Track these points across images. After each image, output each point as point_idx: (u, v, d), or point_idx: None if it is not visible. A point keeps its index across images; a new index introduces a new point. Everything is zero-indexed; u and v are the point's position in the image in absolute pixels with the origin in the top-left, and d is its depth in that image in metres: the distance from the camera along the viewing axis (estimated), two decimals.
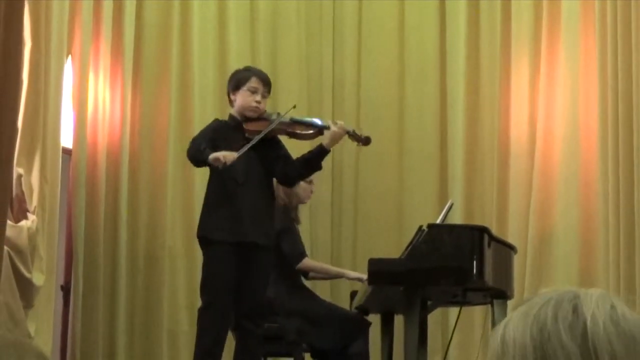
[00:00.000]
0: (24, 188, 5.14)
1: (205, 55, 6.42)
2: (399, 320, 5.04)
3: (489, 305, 4.77)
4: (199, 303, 4.89)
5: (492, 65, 6.42)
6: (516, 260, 5.01)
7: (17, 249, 4.95)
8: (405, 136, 6.80)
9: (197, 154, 4.72)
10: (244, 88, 4.88)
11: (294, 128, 4.96)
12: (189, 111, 6.28)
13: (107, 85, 5.98)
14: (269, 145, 4.86)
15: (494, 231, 5.01)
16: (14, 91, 4.63)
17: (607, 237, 5.52)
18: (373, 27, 7.00)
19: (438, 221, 4.73)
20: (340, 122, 4.97)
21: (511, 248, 4.85)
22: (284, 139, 5.04)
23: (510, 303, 4.63)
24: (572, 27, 6.02)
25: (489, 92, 6.46)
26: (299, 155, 5.04)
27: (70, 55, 5.76)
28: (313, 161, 4.92)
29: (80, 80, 5.80)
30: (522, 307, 1.14)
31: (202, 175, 5.63)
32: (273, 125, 4.84)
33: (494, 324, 4.59)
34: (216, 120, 5.07)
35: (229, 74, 5.18)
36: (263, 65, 5.72)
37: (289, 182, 5.09)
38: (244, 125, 4.87)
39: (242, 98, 4.88)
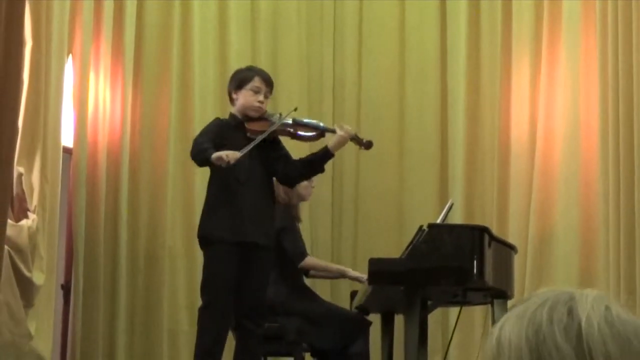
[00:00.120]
0: (24, 187, 5.14)
1: (205, 55, 6.42)
2: (399, 320, 5.04)
3: (489, 305, 4.77)
4: (199, 303, 4.89)
5: (493, 65, 6.42)
6: (516, 260, 5.01)
7: (17, 248, 4.95)
8: (406, 136, 6.80)
9: (200, 154, 4.72)
10: (247, 87, 4.88)
11: (296, 129, 4.97)
12: (190, 111, 6.28)
13: (108, 85, 5.98)
14: (270, 146, 4.87)
15: (495, 231, 5.01)
16: (15, 91, 4.63)
17: (607, 237, 5.52)
18: (374, 27, 7.00)
19: (438, 221, 4.72)
20: (347, 127, 4.98)
21: (511, 248, 4.85)
22: (284, 139, 5.04)
23: (510, 303, 4.63)
24: (573, 27, 6.02)
25: (490, 91, 6.46)
26: (298, 156, 5.05)
27: (70, 55, 5.76)
28: (317, 163, 4.95)
29: (81, 80, 5.80)
30: (518, 308, 1.14)
31: (202, 175, 5.64)
32: (276, 126, 4.85)
33: (494, 324, 4.59)
34: (217, 119, 5.07)
35: (230, 74, 5.18)
36: (263, 65, 5.72)
37: (291, 182, 5.10)
38: (246, 125, 4.87)
39: (245, 98, 4.88)
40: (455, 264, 4.28)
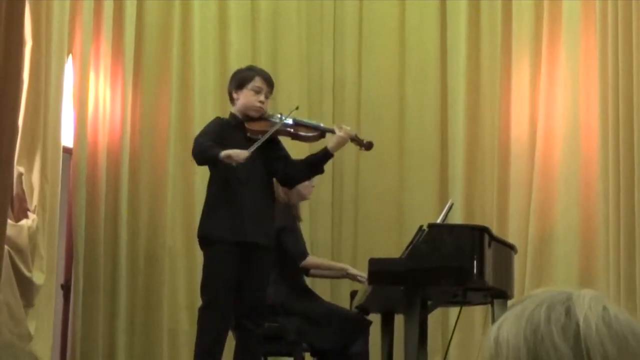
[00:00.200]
0: (24, 187, 5.14)
1: (205, 55, 6.42)
2: (399, 320, 5.04)
3: (489, 305, 4.77)
4: (199, 303, 4.89)
5: (493, 65, 6.42)
6: (516, 260, 5.01)
7: (17, 248, 4.95)
8: (406, 136, 6.80)
9: (205, 152, 4.71)
10: (248, 87, 4.89)
11: (297, 129, 4.98)
12: (190, 111, 6.28)
13: (108, 84, 5.98)
14: (271, 146, 4.87)
15: (495, 231, 5.01)
16: (15, 90, 4.63)
17: (607, 237, 5.52)
18: (374, 27, 7.00)
19: (438, 221, 4.72)
20: (346, 127, 4.99)
21: (511, 248, 4.85)
22: (284, 139, 5.05)
23: (510, 303, 4.62)
24: (573, 27, 6.01)
25: (490, 91, 6.46)
26: (297, 156, 5.06)
27: (70, 55, 5.76)
28: (317, 164, 4.96)
29: (81, 80, 5.80)
30: (515, 308, 1.15)
31: (202, 175, 5.64)
32: (278, 126, 4.85)
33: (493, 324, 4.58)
34: (218, 119, 5.07)
35: (230, 74, 5.18)
36: (263, 65, 5.72)
37: (291, 183, 5.11)
38: (246, 125, 4.87)
39: (246, 97, 4.88)
40: (455, 264, 4.28)
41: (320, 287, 6.09)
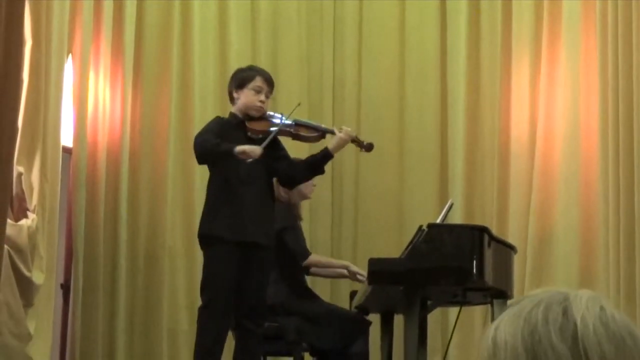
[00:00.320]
0: (24, 187, 5.14)
1: (205, 55, 6.42)
2: (398, 320, 5.04)
3: (489, 305, 4.77)
4: (198, 302, 4.89)
5: (493, 65, 6.42)
6: (516, 260, 5.01)
7: (17, 248, 4.95)
8: (406, 136, 6.80)
9: (216, 147, 4.70)
10: (249, 87, 4.88)
11: (299, 130, 4.99)
12: (190, 111, 6.28)
13: (108, 84, 5.98)
14: (271, 146, 4.87)
15: (494, 231, 5.01)
16: (15, 90, 4.63)
17: (607, 237, 5.52)
18: (373, 27, 7.00)
19: (438, 221, 4.72)
20: (346, 128, 5.00)
21: (511, 248, 4.85)
22: (284, 139, 5.05)
23: (509, 303, 4.62)
24: (573, 27, 6.01)
25: (490, 91, 6.46)
26: (296, 157, 5.06)
27: (70, 55, 5.76)
28: (317, 165, 4.97)
29: (81, 79, 5.80)
30: (513, 308, 1.15)
31: (202, 175, 5.64)
32: (281, 126, 4.85)
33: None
34: (218, 118, 5.07)
35: (230, 73, 5.18)
36: (264, 65, 5.72)
37: (291, 183, 5.11)
38: (247, 124, 4.87)
39: (246, 97, 4.88)
40: (455, 263, 4.28)
41: (320, 287, 6.09)
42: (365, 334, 5.35)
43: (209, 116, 5.52)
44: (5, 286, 4.78)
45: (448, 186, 6.58)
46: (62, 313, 5.87)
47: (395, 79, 6.89)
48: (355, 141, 5.03)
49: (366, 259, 4.54)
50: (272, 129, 4.86)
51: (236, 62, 6.11)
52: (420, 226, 4.43)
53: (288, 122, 4.94)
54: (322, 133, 5.03)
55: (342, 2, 7.05)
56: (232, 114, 4.97)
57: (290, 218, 5.36)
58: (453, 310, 5.78)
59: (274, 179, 5.00)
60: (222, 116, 5.13)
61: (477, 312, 6.07)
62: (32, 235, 5.07)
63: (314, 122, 5.20)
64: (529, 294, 1.17)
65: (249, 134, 4.84)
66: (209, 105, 6.30)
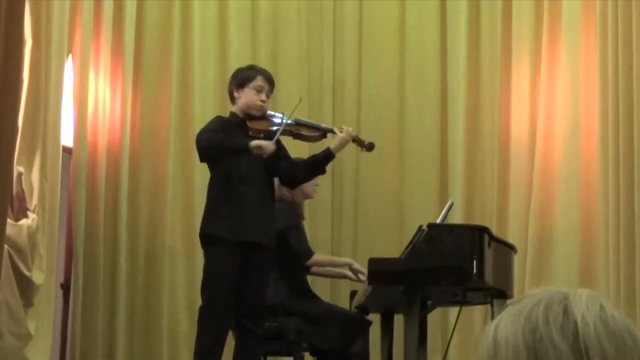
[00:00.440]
0: (24, 187, 5.14)
1: (205, 54, 6.42)
2: (399, 320, 5.04)
3: (489, 305, 4.77)
4: (198, 302, 4.89)
5: (493, 65, 6.42)
6: (516, 260, 5.01)
7: (17, 248, 4.95)
8: (406, 136, 6.80)
9: (223, 143, 4.69)
10: (250, 86, 4.88)
11: (300, 129, 4.99)
12: (190, 111, 6.28)
13: (108, 84, 5.98)
14: None
15: (494, 231, 5.01)
16: (15, 90, 4.63)
17: (607, 237, 5.52)
18: (374, 27, 7.00)
19: (438, 221, 4.72)
20: (347, 128, 5.00)
21: (511, 248, 4.85)
22: (284, 139, 5.04)
23: (508, 302, 4.62)
24: (573, 27, 6.02)
25: (490, 91, 6.46)
26: (296, 157, 5.06)
27: (70, 55, 5.76)
28: (319, 165, 4.97)
29: (81, 79, 5.80)
30: (512, 308, 1.15)
31: (202, 175, 5.64)
32: (285, 125, 4.84)
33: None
34: (219, 117, 5.05)
35: (230, 73, 5.18)
36: (264, 65, 5.71)
37: (293, 183, 5.11)
38: (248, 124, 4.86)
39: (247, 96, 4.88)
40: (455, 263, 4.27)
41: (320, 287, 6.08)
42: (366, 334, 5.35)
43: (209, 116, 5.52)
44: (5, 286, 4.78)
45: (448, 186, 6.58)
46: (62, 313, 5.87)
47: (395, 79, 6.89)
48: (356, 141, 5.04)
49: (366, 259, 4.54)
50: (273, 128, 4.86)
51: (236, 62, 6.11)
52: (420, 226, 4.43)
53: (289, 121, 4.94)
54: (323, 132, 5.03)
55: (342, 2, 7.05)
56: (232, 114, 4.96)
57: (293, 217, 5.36)
58: (453, 310, 5.78)
59: (276, 179, 5.00)
60: (222, 115, 5.12)
61: (477, 312, 6.07)
62: (32, 235, 5.07)
63: (314, 122, 5.20)
64: (528, 293, 1.17)
65: (250, 133, 4.84)
66: (209, 105, 6.30)
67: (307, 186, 5.40)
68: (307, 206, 6.30)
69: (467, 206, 6.39)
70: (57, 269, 5.53)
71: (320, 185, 5.77)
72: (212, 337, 4.74)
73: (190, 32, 6.36)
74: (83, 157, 5.77)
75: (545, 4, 6.16)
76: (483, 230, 4.38)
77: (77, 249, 5.68)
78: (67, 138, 5.73)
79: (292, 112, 4.94)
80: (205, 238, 4.84)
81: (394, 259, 4.45)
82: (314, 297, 5.44)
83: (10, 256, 4.85)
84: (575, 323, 1.10)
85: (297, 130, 4.97)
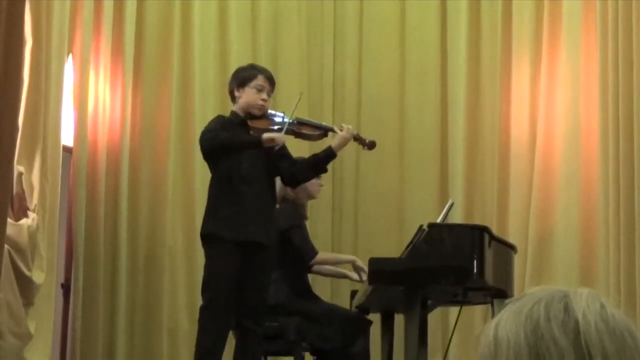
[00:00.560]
0: (24, 186, 5.14)
1: (206, 54, 6.42)
2: (399, 320, 5.04)
3: (489, 305, 4.77)
4: (199, 302, 4.89)
5: (493, 65, 6.42)
6: (516, 259, 5.01)
7: (17, 247, 4.95)
8: (406, 135, 6.80)
9: (236, 138, 4.69)
10: (250, 85, 4.87)
11: (301, 128, 4.99)
12: (190, 110, 6.28)
13: (108, 84, 5.98)
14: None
15: (495, 230, 5.01)
16: (15, 89, 4.63)
17: (607, 236, 5.52)
18: (374, 27, 7.00)
19: (438, 220, 4.72)
20: (347, 126, 5.00)
21: (511, 247, 4.86)
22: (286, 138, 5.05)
23: (507, 301, 4.61)
24: (573, 27, 6.02)
25: (490, 91, 6.46)
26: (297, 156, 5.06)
27: (71, 54, 5.76)
28: (320, 164, 4.97)
29: (81, 79, 5.80)
30: (512, 306, 1.15)
31: (202, 175, 5.64)
32: (287, 124, 4.84)
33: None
34: (220, 117, 5.05)
35: (230, 73, 5.17)
36: (264, 65, 5.71)
37: (295, 183, 5.10)
38: (249, 123, 4.86)
39: (248, 96, 4.87)
40: (456, 263, 4.27)
41: (321, 287, 6.09)
42: (366, 334, 5.35)
43: (210, 116, 5.52)
44: (5, 285, 4.78)
45: (448, 186, 6.58)
46: (63, 312, 5.87)
47: (395, 79, 6.89)
48: (358, 139, 5.04)
49: (366, 258, 4.54)
50: (274, 127, 4.86)
51: (236, 61, 6.11)
52: (421, 226, 4.43)
53: (291, 120, 4.93)
54: (325, 131, 5.03)
55: (342, 2, 7.05)
56: (233, 113, 4.96)
57: (297, 217, 5.36)
58: (453, 310, 5.78)
59: (277, 179, 5.00)
60: (223, 115, 5.12)
61: (477, 311, 6.07)
62: (32, 234, 5.07)
63: (315, 121, 5.20)
64: (528, 291, 1.17)
65: (251, 132, 4.83)
66: (209, 105, 6.29)
67: (312, 186, 5.40)
68: (308, 206, 6.30)
69: (467, 206, 6.39)
70: (57, 268, 5.53)
71: (324, 186, 5.78)
72: (213, 336, 4.73)
73: (190, 31, 6.36)
74: (83, 157, 5.77)
75: (546, 4, 6.16)
76: (483, 229, 4.38)
77: (77, 249, 5.68)
78: (67, 138, 5.73)
79: (294, 108, 4.93)
80: (206, 237, 4.83)
81: (394, 259, 4.46)
82: (315, 297, 5.44)
83: (11, 256, 4.85)
84: (576, 321, 1.10)
85: (298, 129, 4.97)
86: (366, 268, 5.25)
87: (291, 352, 5.24)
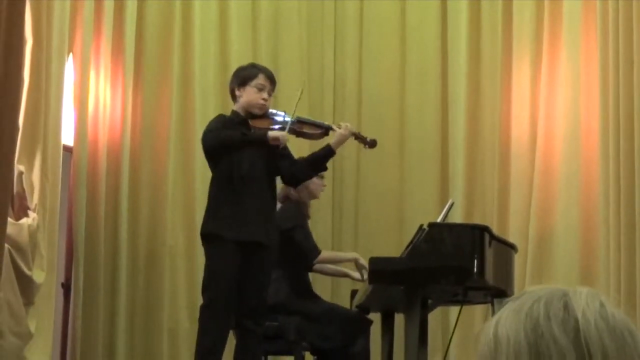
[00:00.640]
0: (25, 186, 5.14)
1: (206, 54, 6.42)
2: (399, 319, 5.04)
3: (490, 305, 4.77)
4: (199, 301, 4.89)
5: (493, 65, 6.42)
6: (517, 259, 5.01)
7: (17, 247, 4.95)
8: (406, 135, 6.80)
9: (241, 136, 4.69)
10: (251, 85, 4.87)
11: (303, 127, 4.99)
12: (190, 110, 6.28)
13: (108, 83, 5.99)
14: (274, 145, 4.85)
15: (495, 230, 5.00)
16: (15, 89, 4.63)
17: (607, 236, 5.52)
18: (374, 27, 7.00)
19: (439, 220, 4.72)
20: (345, 124, 5.00)
21: (512, 247, 4.85)
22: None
23: (506, 300, 4.61)
24: (574, 27, 6.02)
25: (490, 91, 6.46)
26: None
27: (71, 54, 5.77)
28: (319, 162, 4.97)
29: (82, 79, 5.81)
30: (512, 304, 1.15)
31: (202, 174, 5.65)
32: (289, 123, 4.84)
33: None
34: (221, 116, 5.05)
35: (230, 73, 5.17)
36: (264, 64, 5.72)
37: (295, 182, 5.11)
38: (250, 122, 4.86)
39: (249, 95, 4.87)
40: (456, 263, 4.27)
41: (321, 287, 6.09)
42: (366, 333, 5.35)
43: (210, 116, 5.52)
44: (5, 285, 4.78)
45: (448, 185, 6.58)
46: (63, 312, 5.87)
47: (395, 79, 6.89)
48: (359, 138, 5.05)
49: (367, 258, 4.54)
50: (276, 126, 4.86)
51: (237, 61, 6.11)
52: (421, 225, 4.43)
53: (293, 119, 4.93)
54: (325, 130, 5.03)
55: (342, 2, 7.05)
56: (234, 112, 4.95)
57: (299, 217, 5.36)
58: (454, 310, 5.78)
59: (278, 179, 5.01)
60: (224, 114, 5.12)
61: (477, 311, 6.07)
62: (32, 234, 5.07)
63: (315, 119, 5.20)
64: (527, 290, 1.17)
65: (252, 131, 4.83)
66: (209, 104, 6.29)
67: (315, 186, 5.41)
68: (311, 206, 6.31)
69: (467, 205, 6.39)
70: (57, 268, 5.53)
71: (327, 186, 5.78)
72: (213, 336, 4.73)
73: (191, 31, 6.36)
74: (84, 156, 5.77)
75: (546, 3, 6.16)
76: (484, 229, 4.38)
77: (78, 248, 5.69)
78: (67, 137, 5.73)
79: (295, 106, 4.93)
80: (206, 237, 4.83)
81: (394, 259, 4.46)
82: (315, 297, 5.45)
83: (11, 255, 4.86)
84: (576, 319, 1.10)
85: (300, 128, 4.97)
86: (365, 265, 5.27)
87: (291, 351, 5.25)
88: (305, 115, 5.59)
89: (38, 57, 5.17)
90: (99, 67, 5.93)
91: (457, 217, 6.05)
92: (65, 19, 5.53)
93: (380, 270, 4.39)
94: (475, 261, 4.24)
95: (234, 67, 5.36)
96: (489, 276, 4.32)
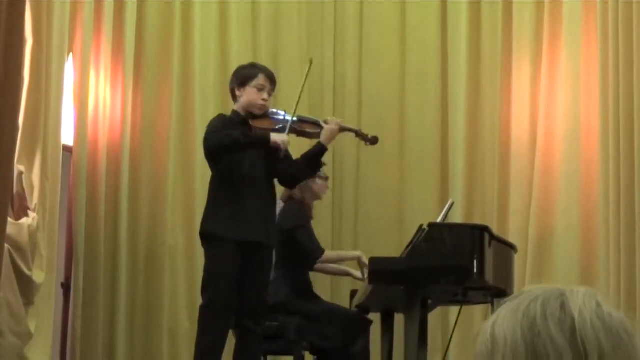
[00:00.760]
0: (24, 185, 5.14)
1: (206, 54, 6.42)
2: (399, 319, 5.04)
3: (490, 305, 4.77)
4: (199, 301, 4.88)
5: (494, 65, 6.42)
6: (517, 259, 5.01)
7: (17, 247, 4.95)
8: (406, 135, 6.80)
9: (245, 137, 4.69)
10: (251, 85, 4.86)
11: (303, 127, 4.98)
12: (190, 110, 6.29)
13: (108, 83, 5.99)
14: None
15: (495, 230, 5.00)
16: (15, 89, 4.64)
17: (607, 236, 5.52)
18: (374, 27, 7.00)
19: (439, 220, 4.72)
20: (332, 118, 5.01)
21: (512, 247, 4.85)
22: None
23: (504, 300, 4.61)
24: (574, 27, 6.02)
25: (490, 91, 6.46)
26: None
27: (71, 53, 5.77)
28: (313, 160, 4.96)
29: (82, 78, 5.81)
30: (509, 304, 1.15)
31: (202, 174, 5.65)
32: (291, 122, 4.84)
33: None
34: (222, 116, 5.04)
35: (230, 73, 5.16)
36: (264, 64, 5.72)
37: (294, 182, 5.10)
38: (251, 122, 4.85)
39: (249, 95, 4.86)
40: (456, 263, 4.27)
41: (321, 287, 6.09)
42: (366, 333, 5.35)
43: (210, 116, 5.51)
44: (5, 284, 4.78)
45: (448, 185, 6.58)
46: (63, 312, 5.87)
47: (395, 79, 6.89)
48: (360, 135, 5.05)
49: (367, 258, 4.53)
50: (276, 126, 4.86)
51: (237, 61, 6.10)
52: (421, 225, 4.43)
53: (294, 118, 4.92)
54: (321, 127, 5.02)
55: (342, 2, 7.05)
56: (234, 112, 4.95)
57: (302, 217, 5.36)
58: (453, 310, 5.79)
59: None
60: (225, 114, 5.11)
61: (477, 311, 6.07)
62: (32, 233, 5.07)
63: (312, 117, 5.17)
64: (525, 290, 1.17)
65: (254, 132, 4.83)
66: (209, 104, 6.29)
67: (318, 187, 5.42)
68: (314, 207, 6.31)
69: (467, 205, 6.40)
70: (57, 267, 5.54)
71: (330, 188, 5.78)
72: (213, 336, 4.73)
73: (191, 31, 6.36)
74: (83, 156, 5.77)
75: (546, 3, 6.16)
76: (484, 229, 4.38)
77: (78, 248, 5.69)
78: (67, 137, 5.73)
79: (296, 106, 4.92)
80: (206, 237, 4.83)
81: (394, 259, 4.46)
82: (315, 297, 5.45)
83: (11, 255, 4.86)
84: (573, 318, 1.10)
85: (300, 127, 4.97)
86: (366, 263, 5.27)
87: (291, 351, 5.25)
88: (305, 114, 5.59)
89: (38, 57, 5.17)
90: (99, 67, 5.93)
91: (457, 217, 6.05)
92: (65, 18, 5.54)
93: (380, 270, 4.39)
94: (475, 261, 4.24)
95: (234, 67, 5.35)
96: (489, 276, 4.32)
